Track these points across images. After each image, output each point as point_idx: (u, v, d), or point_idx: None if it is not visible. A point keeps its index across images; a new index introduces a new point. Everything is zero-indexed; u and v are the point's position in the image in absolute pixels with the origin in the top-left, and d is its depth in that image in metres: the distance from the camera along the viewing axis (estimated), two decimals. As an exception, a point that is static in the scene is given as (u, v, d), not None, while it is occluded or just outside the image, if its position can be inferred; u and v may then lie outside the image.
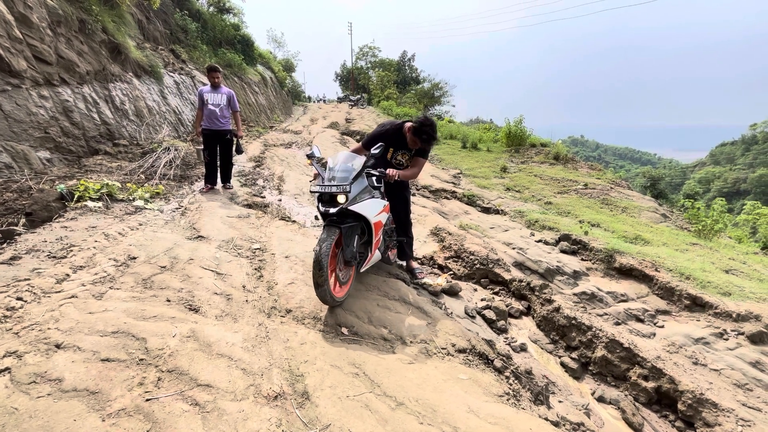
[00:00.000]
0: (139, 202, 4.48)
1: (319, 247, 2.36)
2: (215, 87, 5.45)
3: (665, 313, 3.61)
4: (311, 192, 2.58)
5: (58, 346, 1.91)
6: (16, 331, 1.98)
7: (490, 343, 2.59)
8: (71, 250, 3.03)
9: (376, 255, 2.95)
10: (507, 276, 3.91)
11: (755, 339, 3.03)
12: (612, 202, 6.33)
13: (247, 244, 3.69)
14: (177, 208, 4.56)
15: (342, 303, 2.63)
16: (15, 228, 3.67)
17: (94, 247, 3.15)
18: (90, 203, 4.14)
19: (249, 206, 5.03)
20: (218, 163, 5.58)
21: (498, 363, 2.37)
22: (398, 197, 3.39)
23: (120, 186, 4.73)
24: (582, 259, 4.52)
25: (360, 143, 3.24)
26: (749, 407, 2.24)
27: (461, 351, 2.44)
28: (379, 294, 2.98)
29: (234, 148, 5.67)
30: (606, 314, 3.51)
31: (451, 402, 1.94)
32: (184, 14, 14.15)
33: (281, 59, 32.48)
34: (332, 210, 2.45)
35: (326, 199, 2.52)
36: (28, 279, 2.51)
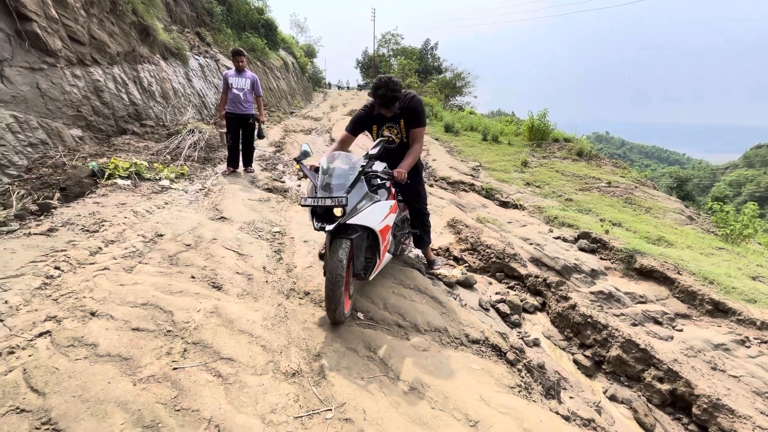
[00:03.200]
0: (165, 182, 4.63)
1: (333, 265, 2.10)
2: (240, 71, 5.51)
3: (685, 317, 3.53)
4: (302, 206, 2.20)
5: (93, 314, 2.03)
6: (55, 298, 2.11)
7: (503, 336, 2.61)
8: (103, 225, 3.18)
9: (386, 258, 2.72)
10: (523, 271, 3.89)
11: (779, 348, 2.95)
12: (636, 202, 6.17)
13: (267, 227, 3.78)
14: (201, 189, 4.69)
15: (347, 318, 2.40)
16: (51, 201, 3.86)
17: (124, 223, 3.29)
18: (119, 181, 4.30)
19: (269, 190, 5.13)
20: (240, 146, 5.68)
21: (511, 355, 2.39)
22: (410, 192, 3.12)
23: (147, 165, 4.88)
24: (601, 258, 4.45)
25: (345, 131, 2.98)
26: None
27: (474, 342, 2.47)
28: (394, 282, 3.02)
29: (256, 133, 5.76)
30: (623, 315, 3.47)
31: (463, 390, 1.98)
32: (210, -3, 14.23)
33: (303, 44, 32.43)
34: (329, 227, 2.09)
35: (321, 212, 2.16)
36: (65, 250, 2.65)
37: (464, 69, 27.94)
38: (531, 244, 4.61)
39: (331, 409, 1.74)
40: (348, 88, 37.15)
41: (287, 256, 3.25)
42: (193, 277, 2.65)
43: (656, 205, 6.17)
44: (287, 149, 8.45)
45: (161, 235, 3.19)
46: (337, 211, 2.11)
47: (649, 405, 2.50)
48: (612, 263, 4.34)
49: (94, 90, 6.38)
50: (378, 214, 2.37)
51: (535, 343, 2.95)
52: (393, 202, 2.64)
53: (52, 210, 3.46)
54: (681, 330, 3.31)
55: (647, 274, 4.04)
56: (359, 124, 2.95)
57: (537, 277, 3.76)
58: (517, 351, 2.46)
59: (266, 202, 4.55)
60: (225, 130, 5.72)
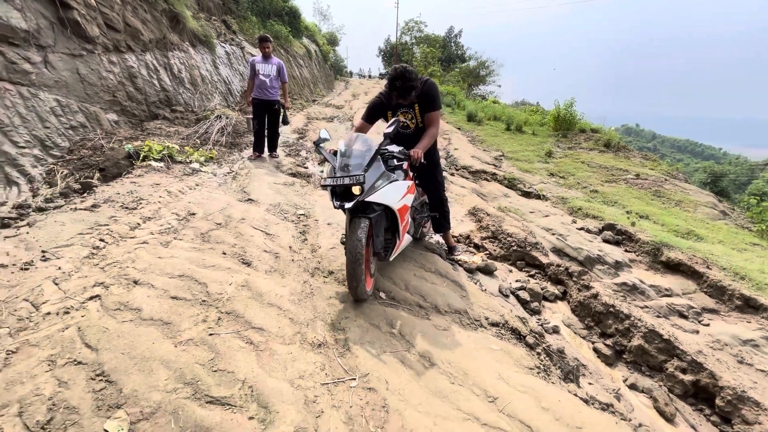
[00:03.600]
0: (195, 165, 4.81)
1: (352, 244, 2.18)
2: (266, 57, 5.61)
3: (712, 311, 3.45)
4: (322, 187, 2.38)
5: (135, 282, 2.18)
6: (102, 267, 2.27)
7: (523, 320, 2.64)
8: (140, 203, 3.36)
9: (405, 240, 2.77)
10: (544, 260, 3.88)
11: (812, 346, 2.85)
12: (665, 195, 5.97)
13: (292, 210, 3.90)
14: (228, 173, 4.85)
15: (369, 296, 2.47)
16: (92, 181, 4.09)
17: (159, 202, 3.46)
18: (154, 163, 4.50)
19: (293, 175, 5.25)
20: (266, 132, 5.81)
21: (530, 339, 2.43)
22: (428, 179, 3.13)
23: (179, 149, 5.08)
24: (626, 251, 4.37)
25: (361, 119, 3.01)
26: (795, 410, 2.16)
27: (494, 324, 2.51)
28: (415, 265, 3.08)
29: (281, 119, 5.87)
30: (647, 307, 3.42)
31: (482, 368, 2.04)
32: (236, -16, 14.37)
33: (326, 32, 32.37)
34: (348, 204, 2.18)
35: (340, 191, 2.24)
36: (107, 225, 2.83)
37: (488, 57, 27.29)
38: (553, 234, 4.56)
39: (355, 379, 1.83)
40: (369, 76, 36.93)
41: (312, 238, 3.35)
42: (224, 254, 2.78)
43: (687, 198, 5.95)
44: (310, 136, 8.56)
45: (193, 214, 3.35)
46: (356, 189, 2.18)
47: (671, 395, 2.49)
48: (637, 255, 4.25)
49: (128, 76, 6.63)
50: (396, 192, 2.42)
51: (555, 330, 2.96)
52: (410, 182, 2.67)
53: (94, 188, 3.67)
54: (707, 324, 3.24)
55: (674, 268, 3.95)
56: (374, 111, 2.99)
57: (558, 266, 3.74)
58: (536, 335, 2.49)
59: (291, 186, 4.67)
60: (251, 116, 5.86)
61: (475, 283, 3.06)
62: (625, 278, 3.81)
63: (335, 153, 2.45)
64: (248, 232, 3.18)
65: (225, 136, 6.21)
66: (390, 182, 2.39)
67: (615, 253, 4.20)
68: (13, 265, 2.14)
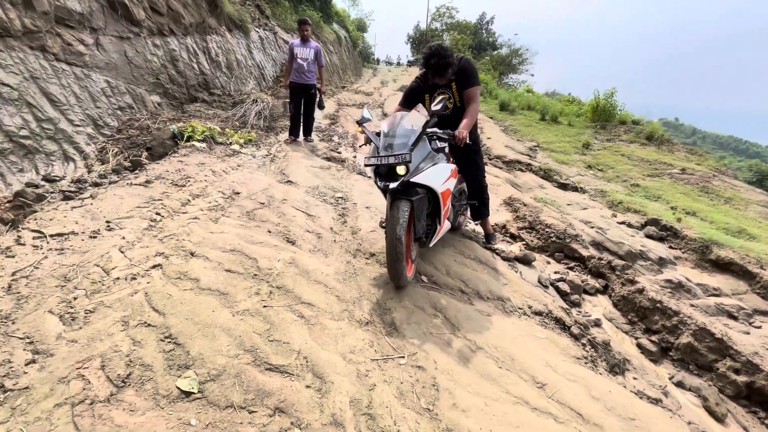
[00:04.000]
0: (236, 146, 4.93)
1: (393, 227, 2.11)
2: (304, 40, 5.62)
3: (765, 314, 3.29)
4: (366, 165, 2.24)
5: (192, 254, 2.28)
6: (161, 238, 2.39)
7: (566, 311, 2.60)
8: (188, 181, 3.49)
9: (445, 226, 2.67)
10: (584, 252, 3.78)
11: None
12: (714, 191, 5.66)
13: (330, 192, 3.95)
14: (267, 155, 4.95)
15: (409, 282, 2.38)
16: (141, 159, 4.27)
17: (205, 180, 3.59)
18: (197, 143, 4.65)
19: (328, 159, 5.30)
20: (301, 116, 5.87)
21: (575, 330, 2.39)
22: (468, 163, 3.05)
23: (219, 130, 5.22)
24: (670, 247, 4.20)
25: (399, 105, 2.97)
26: None
27: (537, 313, 2.48)
28: (455, 251, 3.07)
29: (316, 103, 5.91)
30: (693, 306, 3.29)
31: (529, 355, 2.03)
32: (270, -31, 14.39)
33: (354, 18, 32.11)
34: (392, 185, 2.12)
35: (384, 171, 2.18)
36: (161, 200, 2.96)
37: (522, 45, 26.37)
38: (592, 227, 4.43)
39: (404, 356, 1.86)
40: (398, 63, 36.46)
41: (351, 220, 3.39)
42: (269, 232, 2.86)
43: (737, 195, 5.63)
44: (341, 122, 8.60)
45: (238, 193, 3.45)
46: (401, 169, 2.11)
47: (721, 395, 2.40)
48: (683, 253, 4.08)
49: (170, 59, 6.82)
50: (440, 175, 2.35)
51: (597, 324, 2.90)
52: (454, 166, 2.63)
53: (144, 166, 3.84)
54: (759, 327, 3.09)
55: (724, 267, 3.77)
56: (412, 96, 2.96)
57: (600, 259, 3.65)
58: (581, 326, 2.44)
59: (327, 170, 4.72)
60: (288, 99, 5.92)
61: (516, 272, 3.02)
62: (669, 275, 3.67)
63: (378, 134, 2.39)
64: (290, 213, 3.25)
65: (262, 120, 6.33)
66: (435, 164, 2.34)
67: (659, 249, 4.05)
68: (83, 233, 2.28)
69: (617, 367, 2.31)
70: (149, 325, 1.70)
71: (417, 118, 2.40)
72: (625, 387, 2.05)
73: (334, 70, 18.44)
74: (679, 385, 2.53)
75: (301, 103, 5.76)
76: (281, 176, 4.19)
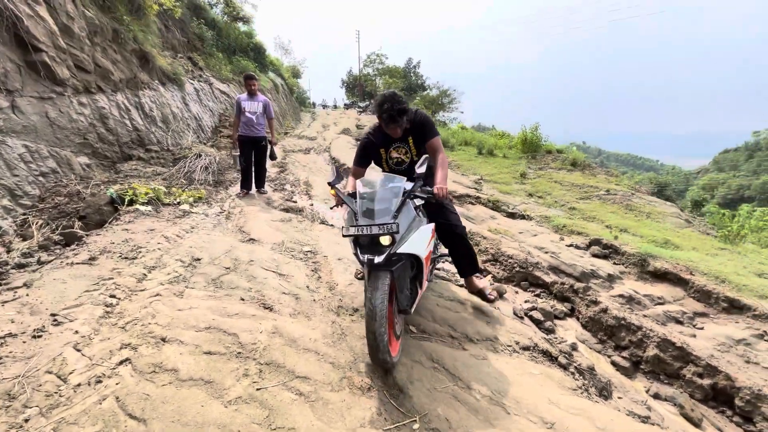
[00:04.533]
0: (185, 206, 4.62)
1: (372, 303, 1.85)
2: (252, 95, 5.62)
3: (703, 315, 3.71)
4: (344, 236, 2.01)
5: (163, 340, 2.04)
6: (122, 326, 2.11)
7: (549, 342, 2.71)
8: (140, 251, 3.17)
9: (425, 286, 2.47)
10: (547, 279, 4.03)
11: (797, 340, 3.13)
12: (636, 208, 6.46)
13: (297, 247, 3.82)
14: (221, 212, 4.70)
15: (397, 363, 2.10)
16: (76, 231, 3.81)
17: (159, 249, 3.28)
18: (141, 207, 4.28)
19: (286, 210, 5.18)
20: (253, 169, 5.74)
21: (562, 360, 2.49)
22: (439, 210, 2.65)
23: (165, 190, 4.88)
24: (614, 263, 4.63)
25: (354, 166, 2.81)
26: (807, 402, 2.35)
27: (525, 348, 2.56)
28: (434, 294, 3.10)
29: (268, 154, 5.83)
30: (645, 316, 3.62)
31: (531, 394, 2.06)
32: (201, 23, 14.45)
33: (288, 66, 32.88)
34: (377, 259, 1.89)
35: (366, 242, 1.95)
36: (112, 278, 2.64)
37: (450, 86, 28.81)
38: (546, 252, 4.76)
39: (416, 420, 1.79)
40: (335, 106, 37.57)
41: (325, 275, 3.29)
42: (242, 299, 2.67)
43: (655, 210, 6.48)
44: (290, 169, 8.52)
45: (198, 259, 3.20)
46: (385, 240, 1.90)
47: (693, 400, 2.62)
48: (626, 267, 4.52)
49: (99, 117, 6.37)
50: (424, 239, 2.16)
51: (574, 348, 3.05)
52: (432, 225, 2.40)
53: (82, 239, 3.42)
54: (702, 328, 3.47)
55: (661, 277, 4.23)
56: (365, 152, 2.79)
57: (563, 283, 3.90)
58: (566, 355, 2.56)
59: (288, 222, 4.59)
60: (237, 152, 5.78)
61: (495, 308, 3.12)
62: (620, 290, 4.03)
63: (353, 195, 2.19)
64: (260, 274, 3.08)
65: (210, 174, 6.05)
66: (419, 226, 2.16)
67: (606, 267, 4.44)
68: (23, 333, 1.93)
69: (605, 390, 2.43)
70: (129, 438, 1.45)
71: (397, 177, 2.24)
72: (619, 410, 2.15)
73: (274, 117, 18.47)
74: (656, 396, 2.72)
75: (251, 156, 5.65)
76: (242, 234, 3.98)
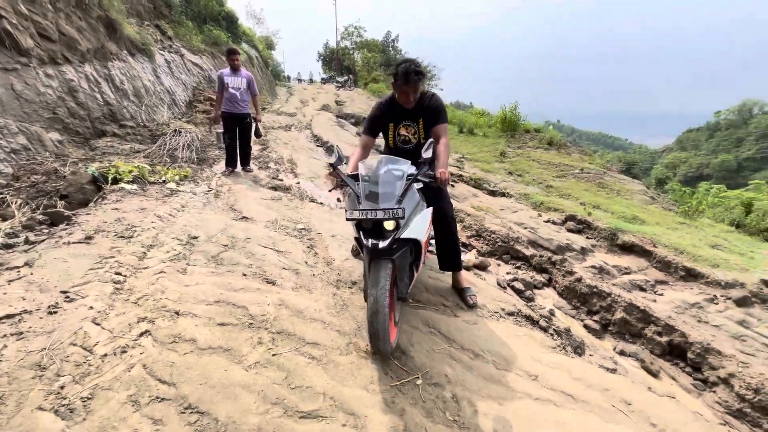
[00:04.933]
0: (172, 185, 4.57)
1: (377, 295, 1.80)
2: (235, 70, 5.48)
3: (663, 283, 4.12)
4: (347, 220, 1.93)
5: (177, 313, 2.13)
6: (134, 301, 2.18)
7: (531, 308, 2.98)
8: (134, 231, 3.18)
9: (420, 270, 2.45)
10: (527, 252, 4.32)
11: (740, 303, 3.56)
12: (607, 186, 6.87)
13: (291, 225, 3.91)
14: (208, 191, 4.68)
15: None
16: (61, 210, 3.73)
17: (153, 228, 3.30)
18: (127, 186, 4.21)
19: (274, 188, 5.20)
20: (238, 146, 5.66)
21: (543, 323, 2.77)
22: (437, 199, 2.59)
23: (150, 168, 4.78)
24: (587, 237, 4.99)
25: (362, 134, 2.74)
26: (746, 353, 2.74)
27: (510, 314, 2.82)
28: (425, 268, 3.30)
29: (253, 132, 5.76)
30: (614, 285, 3.99)
31: (517, 353, 2.32)
32: (168, -13, 13.52)
33: (261, 37, 31.36)
34: (382, 244, 1.84)
35: (369, 226, 1.91)
36: (113, 257, 2.67)
37: (429, 62, 28.47)
38: (525, 228, 5.06)
39: (418, 377, 2.00)
40: (311, 80, 36.38)
41: (321, 251, 3.42)
42: (244, 275, 2.77)
43: (624, 188, 6.91)
44: (272, 147, 8.41)
45: (195, 238, 3.24)
46: (389, 225, 1.86)
47: (652, 355, 2.99)
48: (597, 241, 4.89)
49: (68, 90, 6.06)
50: (424, 223, 2.13)
51: (551, 314, 3.36)
52: (431, 209, 2.35)
53: (72, 219, 3.37)
54: (662, 294, 3.87)
55: (629, 249, 4.62)
56: (375, 123, 2.72)
57: (542, 256, 4.20)
58: (546, 319, 2.84)
59: (279, 200, 4.64)
60: (221, 129, 5.67)
61: (481, 279, 3.36)
62: (592, 262, 4.38)
63: (354, 178, 2.13)
64: (259, 251, 3.17)
65: (193, 152, 5.93)
66: (421, 211, 2.13)
67: (580, 241, 4.79)
68: (38, 310, 1.97)
69: (579, 348, 2.73)
70: (163, 399, 1.58)
71: (401, 160, 2.23)
72: (591, 364, 2.45)
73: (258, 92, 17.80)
74: (622, 353, 3.08)
75: (236, 133, 5.57)
76: (234, 213, 4.02)
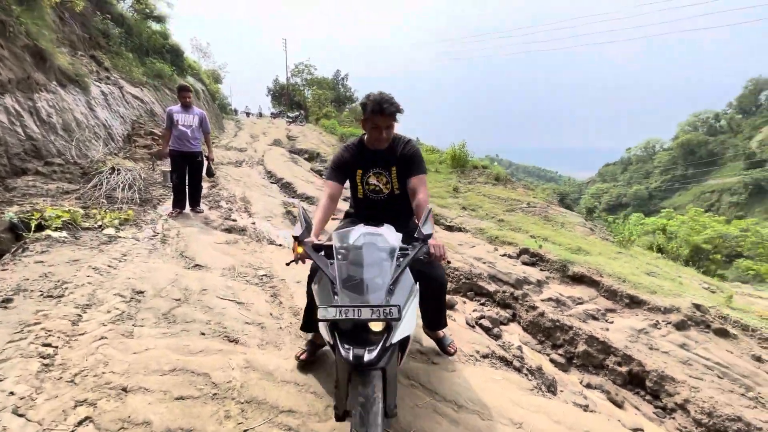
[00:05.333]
0: (110, 230, 4.10)
1: (369, 418, 1.33)
2: (186, 107, 5.24)
3: (612, 311, 4.41)
4: (319, 320, 1.40)
5: (125, 390, 1.83)
6: (70, 379, 1.84)
7: (504, 348, 3.00)
8: (66, 288, 2.76)
9: (402, 362, 1.84)
10: (490, 288, 4.43)
11: (679, 327, 3.90)
12: (552, 219, 7.40)
13: (251, 271, 3.66)
14: (154, 236, 4.27)
15: None
16: (-32, 265, 3.16)
17: (90, 283, 2.90)
18: (54, 233, 3.70)
19: (228, 231, 4.89)
20: (186, 186, 5.31)
21: (516, 363, 2.79)
22: (427, 267, 2.13)
23: (83, 212, 4.27)
24: (541, 270, 5.25)
25: (327, 179, 2.34)
26: (694, 377, 2.97)
27: (485, 356, 2.80)
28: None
29: (205, 171, 5.46)
30: (570, 315, 4.19)
31: (497, 399, 2.28)
32: (106, 18, 12.96)
33: (207, 70, 30.77)
34: (368, 355, 1.35)
35: (345, 327, 1.42)
36: (39, 323, 2.27)
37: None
38: (484, 262, 5.22)
39: (406, 438, 1.88)
40: (260, 114, 35.92)
41: (286, 300, 3.21)
42: (203, 334, 2.49)
43: (566, 220, 7.48)
44: (223, 184, 8.03)
45: (141, 292, 2.89)
46: (377, 326, 1.38)
47: (616, 385, 3.12)
48: (550, 273, 5.16)
49: (-17, 124, 5.40)
50: (414, 309, 1.69)
51: (520, 350, 3.41)
52: (418, 284, 1.80)
53: (-17, 275, 2.85)
54: (612, 322, 4.13)
55: (579, 280, 4.92)
56: (341, 167, 2.35)
57: (504, 291, 4.32)
58: (519, 359, 2.86)
59: (234, 244, 4.35)
60: (167, 168, 5.31)
61: (452, 320, 3.34)
62: (548, 294, 4.59)
63: (323, 251, 1.68)
64: (217, 304, 2.90)
65: (135, 192, 5.44)
66: (413, 297, 1.66)
67: (535, 274, 5.03)
68: (-63, 403, 1.58)
69: (552, 386, 2.78)
70: None
71: (386, 231, 1.84)
72: (567, 403, 2.49)
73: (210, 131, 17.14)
74: (588, 386, 3.18)
75: (185, 173, 5.24)
76: (185, 260, 3.68)
